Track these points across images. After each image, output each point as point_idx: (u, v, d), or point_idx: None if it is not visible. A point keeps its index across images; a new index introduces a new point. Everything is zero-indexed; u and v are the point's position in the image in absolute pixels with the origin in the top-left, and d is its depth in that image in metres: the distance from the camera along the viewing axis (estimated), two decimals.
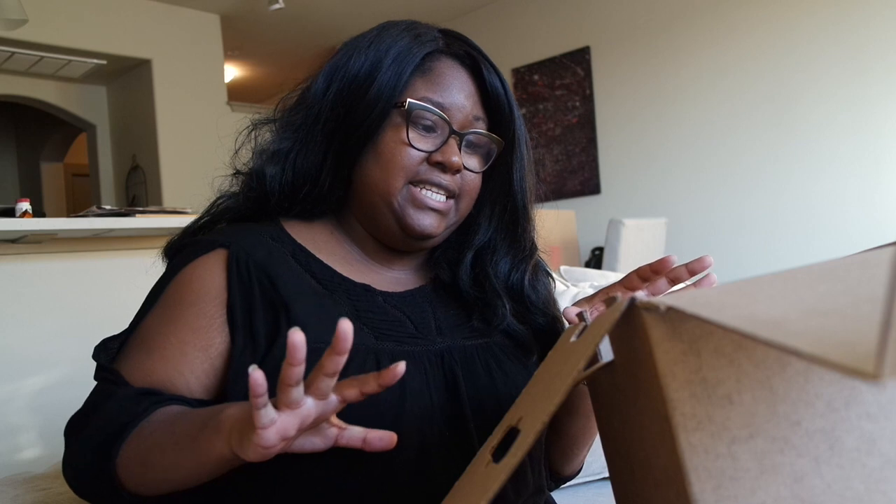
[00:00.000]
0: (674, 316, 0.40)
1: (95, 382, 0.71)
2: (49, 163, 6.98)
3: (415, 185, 0.75)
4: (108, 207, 2.30)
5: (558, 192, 5.15)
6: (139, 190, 5.30)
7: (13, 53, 4.63)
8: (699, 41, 4.47)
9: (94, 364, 0.72)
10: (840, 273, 0.38)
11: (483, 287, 0.80)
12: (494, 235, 0.82)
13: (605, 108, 4.95)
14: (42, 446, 1.95)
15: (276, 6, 4.91)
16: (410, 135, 0.74)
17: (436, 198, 0.75)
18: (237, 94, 6.31)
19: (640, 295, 0.41)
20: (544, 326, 0.84)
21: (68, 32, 4.70)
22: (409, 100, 0.74)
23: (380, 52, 0.76)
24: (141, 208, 2.43)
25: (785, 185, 4.17)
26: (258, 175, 0.77)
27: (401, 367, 0.51)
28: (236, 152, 0.81)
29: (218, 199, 0.81)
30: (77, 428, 0.67)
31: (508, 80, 5.41)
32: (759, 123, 4.25)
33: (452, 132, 0.75)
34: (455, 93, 0.76)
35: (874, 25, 3.85)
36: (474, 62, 0.78)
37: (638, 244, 3.62)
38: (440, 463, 0.68)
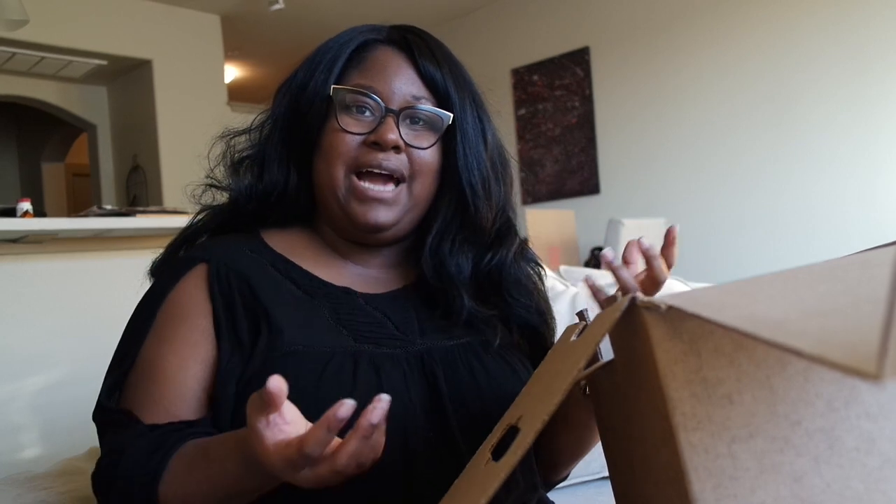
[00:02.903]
0: (674, 315, 0.40)
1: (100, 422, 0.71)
2: (50, 163, 6.98)
3: (358, 177, 0.74)
4: (108, 207, 2.30)
5: (558, 192, 5.15)
6: (140, 190, 5.31)
7: (14, 54, 4.63)
8: (699, 41, 4.47)
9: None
10: (840, 273, 0.38)
11: (441, 278, 0.77)
12: (452, 221, 0.79)
13: (605, 108, 4.95)
14: (43, 446, 1.95)
15: (276, 6, 4.91)
16: (343, 120, 0.74)
17: (377, 188, 0.74)
18: (237, 94, 6.30)
19: (640, 294, 0.41)
20: (529, 322, 0.82)
21: (69, 33, 4.70)
22: (333, 86, 0.75)
23: (317, 58, 0.79)
24: (141, 208, 2.44)
25: (785, 185, 4.17)
26: (235, 187, 0.80)
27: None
28: (213, 169, 0.83)
29: (198, 213, 0.83)
30: (106, 487, 0.66)
31: (507, 80, 5.40)
32: (759, 123, 4.25)
33: (388, 111, 0.74)
34: (389, 75, 0.76)
35: (874, 25, 3.85)
36: (409, 45, 0.78)
37: None
38: (424, 463, 0.67)
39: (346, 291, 0.76)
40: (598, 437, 0.83)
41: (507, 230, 0.82)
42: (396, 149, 0.74)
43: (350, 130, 0.74)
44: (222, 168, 0.83)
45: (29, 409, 1.96)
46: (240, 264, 0.74)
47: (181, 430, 0.66)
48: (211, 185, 0.83)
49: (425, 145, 0.76)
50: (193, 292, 0.73)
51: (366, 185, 0.74)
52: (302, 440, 0.48)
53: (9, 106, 5.88)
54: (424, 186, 0.77)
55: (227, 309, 0.71)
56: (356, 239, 0.79)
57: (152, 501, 0.61)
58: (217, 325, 0.71)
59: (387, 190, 0.74)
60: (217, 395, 0.69)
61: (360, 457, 0.49)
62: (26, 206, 2.41)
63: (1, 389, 1.93)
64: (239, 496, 0.60)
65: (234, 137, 0.83)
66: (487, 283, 0.80)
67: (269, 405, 0.49)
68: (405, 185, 0.76)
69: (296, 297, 0.73)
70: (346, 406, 0.46)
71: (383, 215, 0.75)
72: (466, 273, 0.78)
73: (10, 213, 2.38)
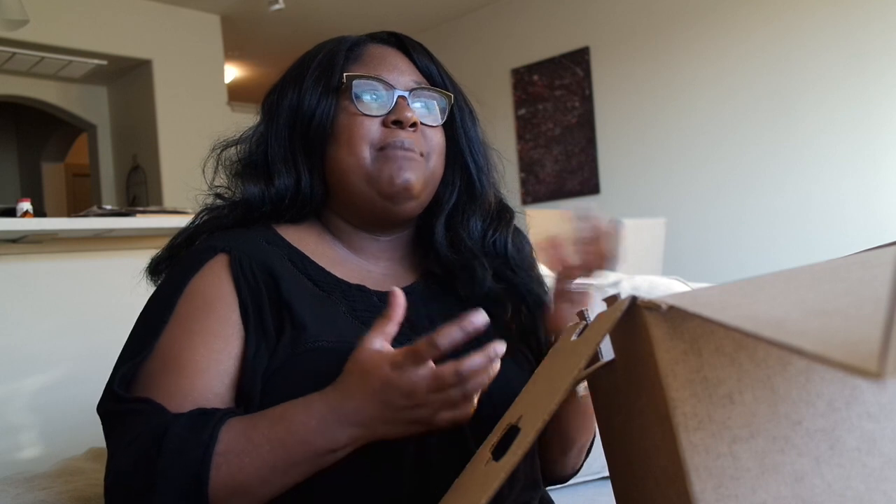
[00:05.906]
0: (675, 315, 0.40)
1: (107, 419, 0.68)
2: (50, 163, 6.98)
3: (381, 150, 0.77)
4: (108, 207, 2.30)
5: (558, 191, 5.15)
6: (139, 190, 5.31)
7: (14, 54, 4.62)
8: (699, 41, 4.47)
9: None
10: (841, 273, 0.38)
11: (460, 250, 0.82)
12: (460, 197, 0.85)
13: (605, 108, 4.95)
14: (42, 445, 1.95)
15: (276, 6, 4.91)
16: (359, 106, 0.78)
17: (405, 151, 0.77)
18: (237, 94, 6.30)
19: (642, 294, 0.41)
20: (533, 290, 0.85)
21: (69, 33, 4.70)
22: (345, 74, 0.79)
23: (307, 63, 0.82)
24: (141, 208, 2.44)
25: (784, 185, 4.17)
26: (246, 193, 0.80)
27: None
28: (213, 178, 0.84)
29: (200, 212, 0.83)
30: (145, 471, 0.61)
31: (507, 80, 5.39)
32: (758, 123, 4.25)
33: (398, 94, 0.79)
34: (390, 64, 0.81)
35: (874, 25, 3.85)
36: (400, 42, 0.84)
37: (637, 244, 3.62)
38: (436, 459, 0.68)
39: (360, 289, 0.77)
40: (588, 433, 0.84)
41: (504, 207, 0.88)
42: (413, 126, 0.78)
43: (369, 114, 0.78)
44: (224, 176, 0.83)
45: (29, 409, 1.96)
46: (261, 255, 0.74)
47: (219, 410, 0.65)
48: (219, 196, 0.83)
49: (435, 124, 0.82)
50: (217, 283, 0.72)
51: (393, 151, 0.77)
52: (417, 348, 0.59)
53: (9, 106, 5.88)
54: (437, 162, 0.81)
55: (254, 300, 0.71)
56: (372, 221, 0.81)
57: (204, 475, 0.59)
58: (244, 317, 0.71)
59: (413, 152, 0.78)
60: (246, 388, 0.68)
61: (479, 384, 0.59)
62: (26, 206, 2.41)
63: (1, 389, 1.93)
64: (304, 462, 0.61)
65: (225, 149, 0.84)
66: (495, 257, 0.84)
67: (392, 317, 0.61)
68: (424, 158, 0.80)
69: (313, 294, 0.74)
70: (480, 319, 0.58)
71: (414, 175, 0.77)
72: (479, 243, 0.83)
73: (10, 213, 2.38)
